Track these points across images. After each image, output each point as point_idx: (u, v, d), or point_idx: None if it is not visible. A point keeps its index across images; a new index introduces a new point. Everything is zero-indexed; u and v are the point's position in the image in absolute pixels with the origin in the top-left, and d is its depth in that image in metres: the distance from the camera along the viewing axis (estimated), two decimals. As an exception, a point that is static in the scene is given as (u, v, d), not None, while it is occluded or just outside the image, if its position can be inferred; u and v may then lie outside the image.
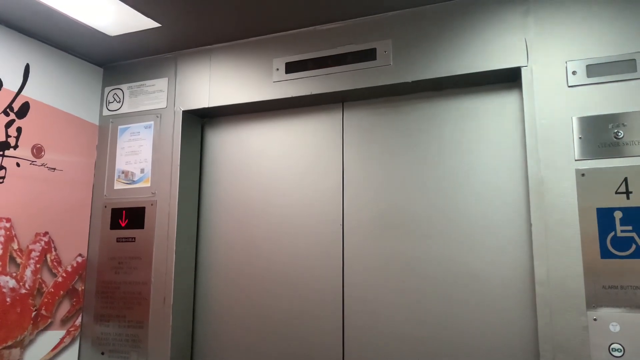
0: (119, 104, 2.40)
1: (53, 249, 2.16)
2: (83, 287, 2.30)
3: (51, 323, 2.14)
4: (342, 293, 2.01)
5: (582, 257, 1.58)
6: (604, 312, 1.54)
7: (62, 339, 2.19)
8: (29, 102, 2.10)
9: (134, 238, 2.24)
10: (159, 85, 2.33)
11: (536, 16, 1.74)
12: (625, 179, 1.56)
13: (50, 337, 2.14)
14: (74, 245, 2.27)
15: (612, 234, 1.56)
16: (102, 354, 2.21)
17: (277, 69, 2.11)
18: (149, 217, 2.23)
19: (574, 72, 1.66)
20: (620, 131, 1.58)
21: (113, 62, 2.45)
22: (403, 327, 1.90)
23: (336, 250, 2.04)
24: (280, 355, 2.06)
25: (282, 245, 2.14)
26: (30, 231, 2.07)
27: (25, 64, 2.10)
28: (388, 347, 1.91)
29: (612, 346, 1.52)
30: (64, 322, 2.21)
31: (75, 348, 2.25)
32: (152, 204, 2.23)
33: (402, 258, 1.93)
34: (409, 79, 1.90)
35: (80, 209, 2.32)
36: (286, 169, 2.19)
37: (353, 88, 1.98)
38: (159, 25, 2.05)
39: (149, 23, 2.03)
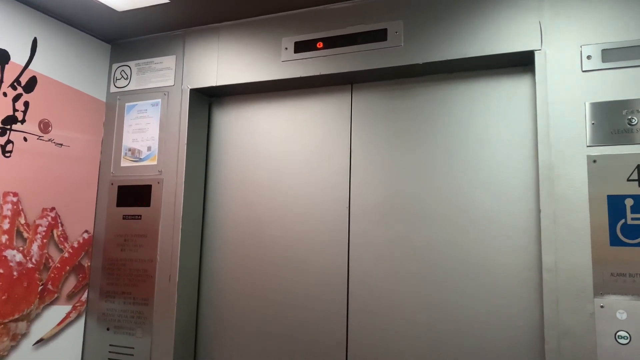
0: (127, 81, 2.39)
1: (60, 224, 2.17)
2: (89, 263, 2.31)
3: (57, 298, 2.16)
4: (347, 276, 2.01)
5: (590, 245, 1.56)
6: (611, 299, 1.53)
7: (68, 314, 2.21)
8: (36, 76, 2.09)
9: (140, 216, 2.24)
10: (167, 62, 2.31)
11: (552, -2, 1.70)
12: (638, 166, 1.54)
13: (57, 312, 2.16)
14: (81, 221, 2.28)
15: (623, 221, 1.54)
16: (108, 329, 2.23)
17: (286, 49, 2.09)
18: (155, 195, 2.23)
19: (588, 57, 1.63)
20: (634, 117, 1.56)
21: (121, 39, 2.43)
22: (408, 312, 1.89)
23: (342, 233, 2.04)
24: (284, 336, 2.07)
25: (287, 227, 2.14)
26: (37, 206, 2.08)
27: (32, 38, 2.08)
28: (392, 331, 1.91)
29: (619, 333, 1.51)
30: (70, 297, 2.22)
31: (81, 323, 2.27)
32: (158, 182, 2.23)
33: (408, 243, 1.93)
34: (420, 60, 1.87)
35: (87, 185, 2.32)
36: (293, 150, 2.18)
37: (362, 69, 1.95)
38: (167, 1, 2.03)
39: (157, -1, 2.01)
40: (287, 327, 2.08)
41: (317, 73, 2.02)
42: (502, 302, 1.77)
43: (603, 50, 1.61)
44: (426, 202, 1.92)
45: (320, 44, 2.02)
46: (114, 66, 2.43)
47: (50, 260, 2.13)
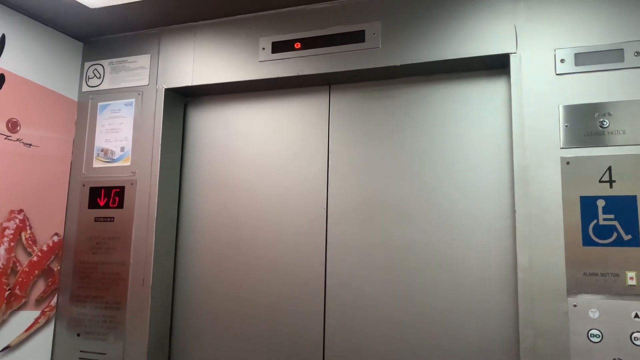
0: (99, 80, 2.33)
1: (28, 227, 2.10)
2: (59, 267, 2.25)
3: (25, 303, 2.09)
4: (325, 278, 2.00)
5: (564, 245, 1.59)
6: (583, 298, 1.55)
7: (36, 320, 2.13)
8: (4, 74, 2.02)
9: (113, 218, 2.19)
10: (141, 61, 2.27)
11: (526, 2, 1.73)
12: (609, 168, 1.57)
13: (24, 318, 2.09)
14: (50, 224, 2.21)
15: (595, 222, 1.57)
16: (78, 335, 2.17)
17: (263, 49, 2.07)
18: (128, 196, 2.18)
19: (562, 60, 1.66)
20: (606, 120, 1.59)
21: (93, 37, 2.37)
22: (385, 313, 1.89)
23: (319, 235, 2.03)
24: (261, 338, 2.05)
25: (264, 228, 2.11)
26: (4, 208, 2.01)
27: (1, 35, 2.02)
28: (369, 332, 1.91)
29: (591, 332, 1.54)
30: (39, 302, 2.15)
31: (50, 329, 2.20)
32: (132, 184, 2.18)
33: (385, 244, 1.93)
34: (398, 62, 1.88)
35: (58, 187, 2.25)
36: (270, 151, 2.16)
37: (340, 70, 1.95)
38: (142, -1, 1.99)
39: (132, -4, 1.97)
40: (263, 329, 2.05)
41: (294, 74, 2.01)
42: (479, 302, 1.79)
43: (576, 54, 1.65)
44: (404, 203, 1.92)
45: (298, 45, 2.01)
46: (86, 65, 2.37)
47: (18, 264, 2.06)
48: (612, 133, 1.58)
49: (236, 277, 2.13)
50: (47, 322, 2.18)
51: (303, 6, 2.03)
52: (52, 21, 2.20)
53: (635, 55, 1.58)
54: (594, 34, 1.64)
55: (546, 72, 1.68)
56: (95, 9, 2.08)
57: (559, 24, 1.68)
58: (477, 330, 1.78)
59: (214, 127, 2.28)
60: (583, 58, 1.64)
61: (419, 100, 1.96)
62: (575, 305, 1.56)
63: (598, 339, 1.53)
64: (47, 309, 2.19)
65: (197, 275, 2.20)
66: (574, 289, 1.57)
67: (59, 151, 2.26)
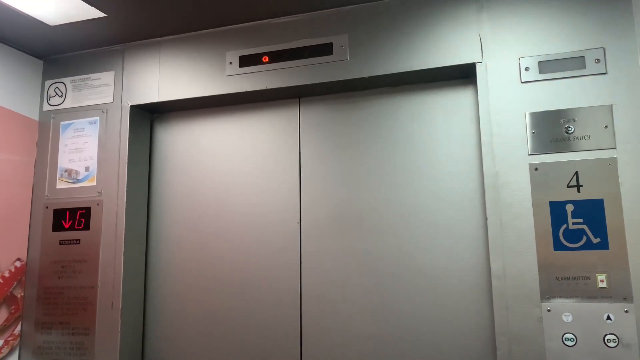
0: (61, 99, 2.26)
1: (-12, 253, 2.01)
2: (22, 294, 2.15)
3: (-13, 333, 2.00)
4: (300, 292, 1.97)
5: (536, 250, 1.61)
6: (557, 303, 1.57)
7: (-1, 350, 2.04)
8: (-40, 94, 1.95)
9: (79, 240, 2.12)
10: (105, 79, 2.22)
11: (490, 13, 1.76)
12: (576, 173, 1.60)
13: (-14, 349, 1.99)
14: (12, 249, 2.12)
15: (564, 226, 1.59)
16: (45, 364, 2.08)
17: (231, 63, 2.05)
18: (94, 217, 2.11)
19: (526, 68, 1.69)
20: (571, 126, 1.62)
21: (54, 54, 2.31)
22: (361, 324, 1.88)
23: (293, 249, 2.00)
24: (236, 357, 2.00)
25: (237, 245, 2.08)
26: (-39, 234, 1.92)
27: (-46, 54, 1.95)
28: (346, 345, 1.88)
29: (565, 336, 1.55)
30: (2, 331, 2.05)
31: (14, 359, 2.10)
32: (98, 204, 2.11)
33: (359, 255, 1.92)
34: (366, 74, 1.88)
35: (19, 210, 2.16)
36: (241, 166, 2.13)
37: (309, 83, 1.94)
38: (104, 15, 1.95)
39: (93, 12, 1.92)
40: (240, 348, 2.01)
41: (263, 87, 1.99)
42: (455, 311, 1.79)
43: (540, 62, 1.68)
44: (376, 213, 1.92)
45: (265, 58, 2.00)
46: (47, 83, 2.30)
47: (-23, 292, 1.97)
48: (577, 138, 1.61)
49: (209, 296, 2.08)
50: (10, 352, 2.09)
51: (269, 20, 2.02)
52: (9, 39, 2.13)
53: (596, 62, 1.62)
54: (557, 43, 1.68)
55: (511, 80, 1.70)
56: (55, 25, 2.02)
57: (522, 33, 1.72)
58: (454, 339, 1.78)
59: (182, 143, 2.23)
60: (547, 66, 1.67)
61: (388, 111, 1.97)
62: (549, 310, 1.57)
63: (572, 343, 1.54)
64: (10, 338, 2.09)
65: (168, 295, 2.14)
66: (547, 293, 1.58)
67: (20, 173, 2.18)
